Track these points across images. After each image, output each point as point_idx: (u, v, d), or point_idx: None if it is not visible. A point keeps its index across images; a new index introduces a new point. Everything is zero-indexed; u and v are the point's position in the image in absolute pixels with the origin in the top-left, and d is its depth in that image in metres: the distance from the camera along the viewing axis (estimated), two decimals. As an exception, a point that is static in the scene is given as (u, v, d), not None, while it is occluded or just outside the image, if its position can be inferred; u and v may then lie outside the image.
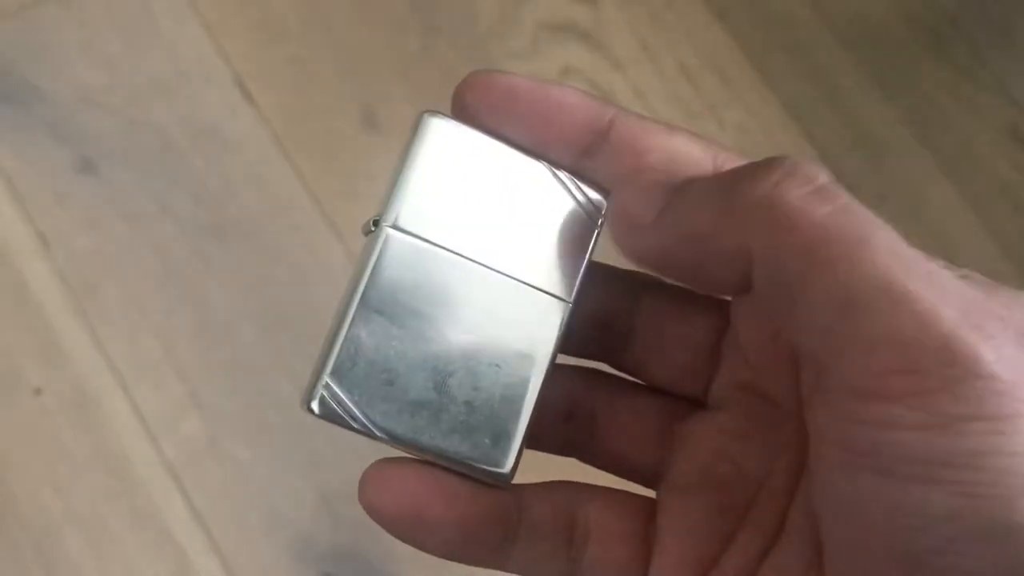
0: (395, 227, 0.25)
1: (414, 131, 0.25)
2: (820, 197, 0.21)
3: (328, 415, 0.24)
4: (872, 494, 0.19)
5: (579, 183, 0.26)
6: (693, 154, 0.25)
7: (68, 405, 0.72)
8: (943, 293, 0.19)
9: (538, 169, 0.26)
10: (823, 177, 0.21)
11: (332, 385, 0.24)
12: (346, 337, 0.24)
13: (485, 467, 0.25)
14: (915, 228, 0.82)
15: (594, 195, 0.26)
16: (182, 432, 0.72)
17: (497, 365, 0.25)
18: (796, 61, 0.87)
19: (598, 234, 0.26)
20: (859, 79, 0.87)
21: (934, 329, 0.19)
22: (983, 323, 0.19)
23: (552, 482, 0.27)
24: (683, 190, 0.24)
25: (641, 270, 0.27)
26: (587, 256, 0.26)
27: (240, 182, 0.78)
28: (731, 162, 0.25)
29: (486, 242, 0.26)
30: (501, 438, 0.25)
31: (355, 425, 0.24)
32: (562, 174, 0.26)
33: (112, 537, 0.70)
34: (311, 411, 0.24)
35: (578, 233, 0.26)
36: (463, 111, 0.25)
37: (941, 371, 0.19)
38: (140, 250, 0.76)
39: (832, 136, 0.85)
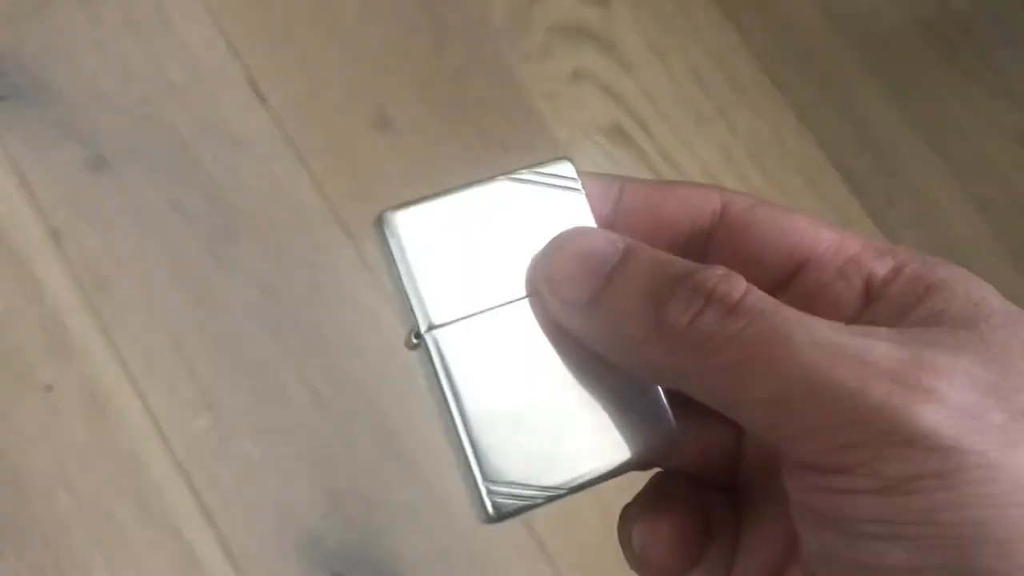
0: (432, 327, 0.25)
1: (386, 234, 0.26)
2: (735, 316, 0.22)
3: (508, 513, 0.25)
4: (839, 550, 0.21)
5: (539, 169, 0.27)
6: (698, 197, 0.27)
7: (79, 402, 0.72)
8: (870, 366, 0.20)
9: (501, 186, 0.26)
10: (737, 292, 0.23)
11: (492, 487, 0.25)
12: (471, 443, 0.25)
13: (654, 447, 0.26)
14: (924, 233, 0.82)
15: (557, 168, 0.27)
16: (192, 430, 0.73)
17: (594, 372, 0.26)
18: (807, 65, 0.87)
19: (587, 195, 0.27)
20: (870, 83, 0.87)
21: (865, 405, 0.20)
22: (919, 380, 0.20)
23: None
24: (613, 281, 0.25)
25: None
26: (592, 221, 0.27)
27: (252, 181, 0.79)
28: (738, 199, 0.26)
29: (515, 275, 0.26)
30: (648, 416, 0.26)
31: (538, 503, 0.25)
32: (522, 173, 0.27)
33: (122, 534, 0.70)
34: (492, 520, 0.25)
35: (573, 209, 0.27)
36: None
37: (881, 440, 0.20)
38: (152, 248, 0.76)
39: (842, 140, 0.85)
